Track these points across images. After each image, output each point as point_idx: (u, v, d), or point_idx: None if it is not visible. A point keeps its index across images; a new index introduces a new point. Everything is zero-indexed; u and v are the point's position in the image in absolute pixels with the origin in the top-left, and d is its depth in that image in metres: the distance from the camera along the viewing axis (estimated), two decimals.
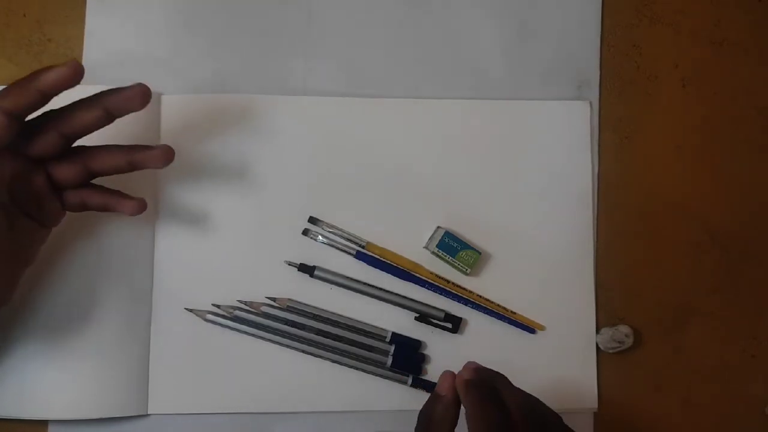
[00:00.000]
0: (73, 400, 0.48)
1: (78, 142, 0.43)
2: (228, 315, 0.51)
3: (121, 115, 0.42)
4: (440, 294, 0.52)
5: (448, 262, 0.51)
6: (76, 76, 0.39)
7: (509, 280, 0.53)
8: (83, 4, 0.53)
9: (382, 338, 0.52)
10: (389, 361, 0.51)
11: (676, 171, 0.55)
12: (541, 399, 0.40)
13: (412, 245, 0.52)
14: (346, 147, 0.53)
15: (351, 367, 0.51)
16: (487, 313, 0.52)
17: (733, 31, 0.56)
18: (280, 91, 0.53)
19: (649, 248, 0.55)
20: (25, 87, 0.39)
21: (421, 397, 0.50)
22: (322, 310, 0.52)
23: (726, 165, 0.56)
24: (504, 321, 0.52)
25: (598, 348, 0.53)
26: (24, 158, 0.42)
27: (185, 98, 0.52)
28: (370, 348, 0.51)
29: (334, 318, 0.52)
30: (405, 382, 0.51)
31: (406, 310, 0.52)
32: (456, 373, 0.40)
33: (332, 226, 0.52)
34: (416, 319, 0.52)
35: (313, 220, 0.52)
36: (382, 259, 0.52)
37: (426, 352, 0.52)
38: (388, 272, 0.52)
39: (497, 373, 0.40)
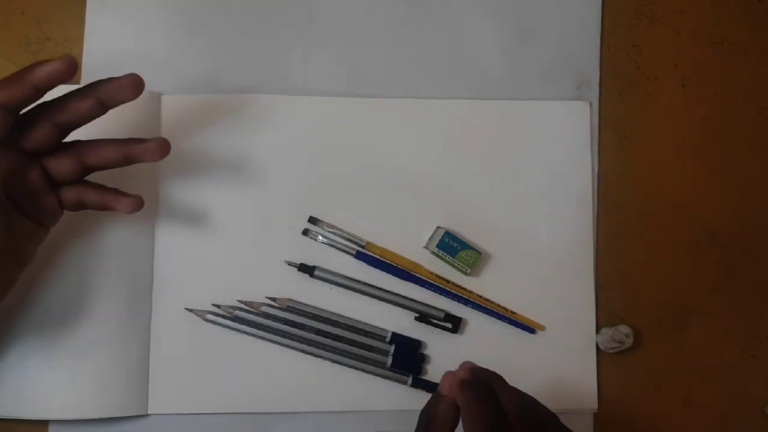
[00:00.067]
0: (73, 400, 0.48)
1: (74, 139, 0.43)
2: (228, 315, 0.51)
3: (114, 105, 0.42)
4: (440, 294, 0.52)
5: (448, 262, 0.51)
6: (69, 70, 0.39)
7: (509, 280, 0.53)
8: (83, 3, 0.53)
9: (382, 338, 0.52)
10: (389, 361, 0.51)
11: (676, 171, 0.55)
12: (541, 399, 0.40)
13: (412, 245, 0.52)
14: (346, 147, 0.53)
15: (351, 367, 0.51)
16: (487, 313, 0.52)
17: (733, 31, 0.56)
18: (280, 91, 0.53)
19: (649, 248, 0.55)
20: (19, 80, 0.39)
21: (421, 397, 0.50)
22: (322, 310, 0.52)
23: (726, 165, 0.56)
24: (504, 321, 0.52)
25: (598, 348, 0.53)
26: (18, 152, 0.41)
27: (185, 98, 0.52)
28: (370, 348, 0.51)
29: (334, 318, 0.52)
30: (405, 382, 0.51)
31: (406, 310, 0.52)
32: None
33: (332, 226, 0.52)
34: (416, 319, 0.52)
35: (313, 220, 0.52)
36: (382, 259, 0.52)
37: (426, 352, 0.52)
38: (388, 272, 0.52)
39: (493, 373, 0.40)
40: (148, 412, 0.50)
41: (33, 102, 0.40)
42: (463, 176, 0.54)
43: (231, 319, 0.51)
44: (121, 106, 0.42)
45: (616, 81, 0.56)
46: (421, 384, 0.51)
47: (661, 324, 0.54)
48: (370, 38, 0.54)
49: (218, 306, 0.51)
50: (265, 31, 0.54)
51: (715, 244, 0.55)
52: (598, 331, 0.53)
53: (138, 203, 0.45)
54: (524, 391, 0.40)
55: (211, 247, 0.52)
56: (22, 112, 0.41)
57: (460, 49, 0.55)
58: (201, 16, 0.53)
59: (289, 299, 0.51)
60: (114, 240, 0.50)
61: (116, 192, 0.45)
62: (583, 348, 0.53)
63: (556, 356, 0.53)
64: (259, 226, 0.52)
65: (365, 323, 0.52)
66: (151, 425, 0.50)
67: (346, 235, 0.52)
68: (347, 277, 0.52)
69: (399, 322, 0.52)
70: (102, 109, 0.42)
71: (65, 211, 0.46)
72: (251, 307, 0.51)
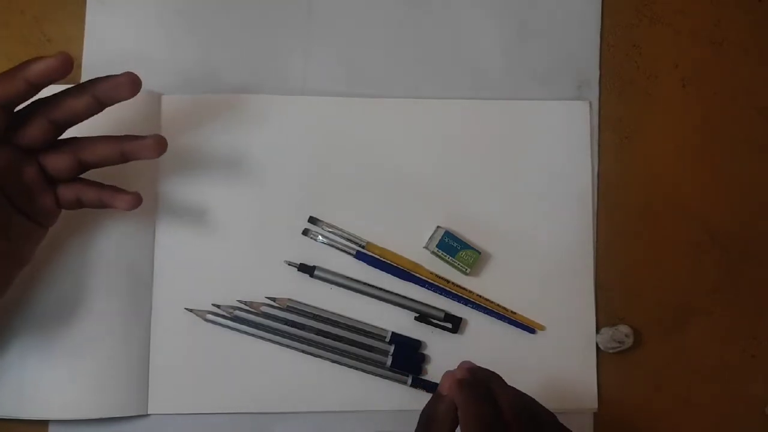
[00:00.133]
0: (73, 400, 0.48)
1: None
2: (228, 315, 0.51)
3: (110, 103, 0.42)
4: (440, 294, 0.52)
5: (448, 262, 0.51)
6: (64, 67, 0.39)
7: (509, 280, 0.53)
8: (83, 3, 0.53)
9: (382, 338, 0.52)
10: (389, 361, 0.51)
11: (676, 171, 0.55)
12: (541, 399, 0.40)
13: (412, 245, 0.52)
14: (346, 147, 0.53)
15: (351, 367, 0.51)
16: (487, 313, 0.52)
17: (733, 31, 0.56)
18: (280, 91, 0.53)
19: (649, 248, 0.55)
20: (14, 77, 0.39)
21: (421, 397, 0.50)
22: (322, 310, 0.52)
23: (726, 165, 0.56)
24: (504, 321, 0.52)
25: (598, 348, 0.53)
26: (14, 149, 0.41)
27: (185, 98, 0.52)
28: (370, 348, 0.51)
29: (334, 318, 0.52)
30: (405, 382, 0.51)
31: (406, 310, 0.52)
32: None
33: (332, 226, 0.52)
34: (416, 319, 0.52)
35: (313, 220, 0.52)
36: (382, 259, 0.52)
37: (426, 352, 0.52)
38: (388, 272, 0.52)
39: (492, 372, 0.40)
40: (148, 412, 0.50)
41: (28, 99, 0.40)
42: (463, 176, 0.54)
43: (231, 319, 0.51)
44: (121, 106, 0.42)
45: (616, 81, 0.56)
46: (421, 384, 0.51)
47: (661, 324, 0.54)
48: (370, 38, 0.54)
49: (218, 306, 0.51)
50: (265, 31, 0.54)
51: (715, 244, 0.55)
52: (598, 331, 0.53)
53: (136, 200, 0.45)
54: (524, 390, 0.40)
55: (211, 247, 0.52)
56: (17, 109, 0.41)
57: (459, 49, 0.55)
58: (201, 17, 0.53)
59: (289, 299, 0.51)
60: (114, 240, 0.50)
61: (114, 189, 0.45)
62: (583, 348, 0.53)
63: (556, 356, 0.53)
64: (259, 226, 0.52)
65: (365, 323, 0.52)
66: (151, 425, 0.50)
67: (346, 235, 0.52)
68: (347, 277, 0.52)
69: (399, 322, 0.52)
70: (99, 106, 0.42)
71: (66, 212, 0.46)
72: (251, 307, 0.51)
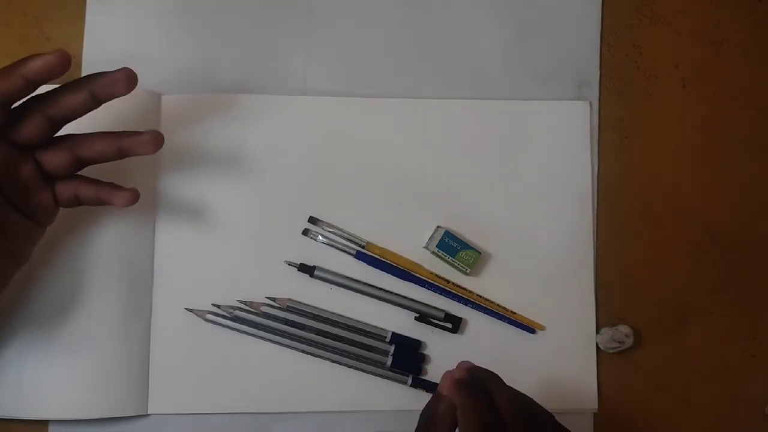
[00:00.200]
0: (73, 400, 0.48)
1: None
2: (228, 315, 0.51)
3: (107, 99, 0.42)
4: (440, 294, 0.52)
5: (448, 262, 0.51)
6: (62, 65, 0.39)
7: (509, 280, 0.53)
8: (83, 3, 0.53)
9: (382, 338, 0.52)
10: (389, 361, 0.51)
11: (676, 171, 0.55)
12: (541, 399, 0.40)
13: (412, 245, 0.52)
14: (346, 147, 0.53)
15: (351, 367, 0.51)
16: (487, 313, 0.52)
17: (733, 31, 0.56)
18: (280, 91, 0.53)
19: (649, 248, 0.55)
20: (11, 73, 0.38)
21: (421, 397, 0.50)
22: (322, 310, 0.52)
23: (726, 165, 0.56)
24: (504, 321, 0.52)
25: (598, 348, 0.53)
26: (11, 146, 0.41)
27: (185, 98, 0.52)
28: (370, 348, 0.51)
29: (334, 318, 0.52)
30: (405, 382, 0.51)
31: (406, 310, 0.52)
32: None
33: (332, 226, 0.52)
34: (416, 319, 0.52)
35: (313, 220, 0.52)
36: (382, 259, 0.52)
37: (426, 352, 0.52)
38: (388, 272, 0.52)
39: (491, 372, 0.40)
40: (148, 412, 0.50)
41: (25, 96, 0.40)
42: (463, 176, 0.54)
43: (231, 319, 0.51)
44: (121, 106, 0.43)
45: (616, 81, 0.56)
46: (421, 384, 0.51)
47: (661, 324, 0.54)
48: (370, 38, 0.54)
49: (218, 306, 0.51)
50: (265, 31, 0.54)
51: (715, 244, 0.55)
52: (598, 331, 0.53)
53: (134, 196, 0.45)
54: (524, 390, 0.40)
55: (211, 246, 0.52)
56: (14, 106, 0.40)
57: (460, 49, 0.55)
58: (201, 16, 0.53)
59: (289, 299, 0.51)
60: (114, 240, 0.50)
61: (112, 185, 0.45)
62: (583, 348, 0.53)
63: (556, 356, 0.53)
64: (259, 226, 0.52)
65: (365, 323, 0.52)
66: (151, 425, 0.50)
67: (346, 235, 0.52)
68: (347, 277, 0.52)
69: (399, 322, 0.52)
70: (95, 102, 0.41)
71: (65, 211, 0.46)
72: (251, 307, 0.51)
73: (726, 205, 0.55)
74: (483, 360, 0.42)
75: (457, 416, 0.38)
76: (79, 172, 0.45)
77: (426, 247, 0.52)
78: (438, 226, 0.52)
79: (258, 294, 0.51)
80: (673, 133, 0.56)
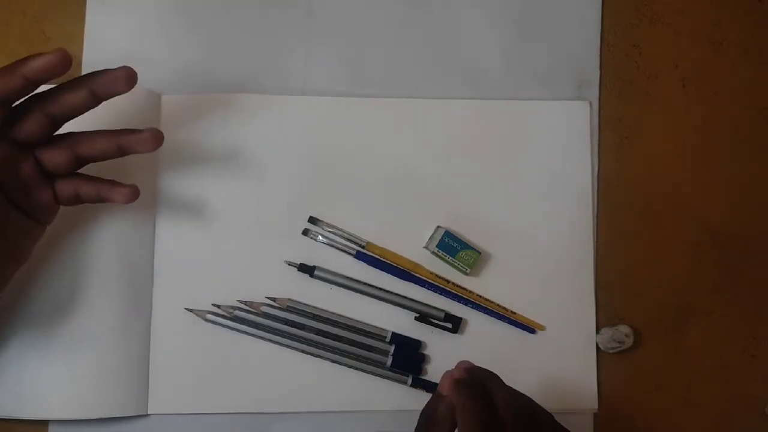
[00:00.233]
0: (73, 400, 0.48)
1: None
2: (228, 315, 0.51)
3: (107, 97, 0.42)
4: (440, 294, 0.52)
5: (448, 262, 0.51)
6: (62, 64, 0.39)
7: (509, 280, 0.53)
8: (83, 3, 0.53)
9: (382, 338, 0.52)
10: (389, 361, 0.51)
11: (676, 171, 0.55)
12: (540, 399, 0.40)
13: (412, 245, 0.52)
14: (346, 147, 0.53)
15: (351, 367, 0.51)
16: (487, 313, 0.52)
17: (733, 31, 0.56)
18: (279, 91, 0.53)
19: (649, 248, 0.55)
20: (11, 73, 0.38)
21: (421, 397, 0.50)
22: (322, 310, 0.52)
23: (726, 165, 0.56)
24: (504, 321, 0.52)
25: (598, 348, 0.53)
26: (11, 144, 0.41)
27: (185, 98, 0.52)
28: (370, 348, 0.51)
29: (334, 318, 0.52)
30: (405, 382, 0.51)
31: (406, 310, 0.52)
32: None
33: (332, 226, 0.52)
34: (416, 319, 0.52)
35: (313, 220, 0.52)
36: (382, 259, 0.52)
37: (426, 352, 0.52)
38: (388, 272, 0.52)
39: (490, 372, 0.40)
40: (148, 412, 0.50)
41: (26, 95, 0.40)
42: (463, 176, 0.54)
43: (231, 319, 0.51)
44: (121, 106, 0.43)
45: (616, 81, 0.56)
46: (421, 384, 0.51)
47: (661, 324, 0.54)
48: (370, 38, 0.54)
49: (218, 306, 0.51)
50: (265, 31, 0.54)
51: (715, 244, 0.55)
52: (598, 331, 0.53)
53: (134, 193, 0.45)
54: (524, 390, 0.40)
55: (211, 246, 0.52)
56: (14, 104, 0.40)
57: (460, 50, 0.55)
58: (201, 16, 0.53)
59: (289, 299, 0.51)
60: (114, 240, 0.50)
61: (111, 182, 0.45)
62: (583, 348, 0.53)
63: (555, 356, 0.53)
64: (259, 226, 0.52)
65: (365, 323, 0.52)
66: (151, 425, 0.50)
67: (346, 235, 0.52)
68: (347, 277, 0.52)
69: (399, 322, 0.52)
70: (95, 101, 0.41)
71: (65, 209, 0.46)
72: (251, 307, 0.51)
73: (726, 205, 0.55)
74: (483, 360, 0.42)
75: (456, 416, 0.38)
76: (79, 171, 0.45)
77: (426, 247, 0.52)
78: (438, 226, 0.52)
79: (258, 294, 0.51)
80: (673, 133, 0.56)
